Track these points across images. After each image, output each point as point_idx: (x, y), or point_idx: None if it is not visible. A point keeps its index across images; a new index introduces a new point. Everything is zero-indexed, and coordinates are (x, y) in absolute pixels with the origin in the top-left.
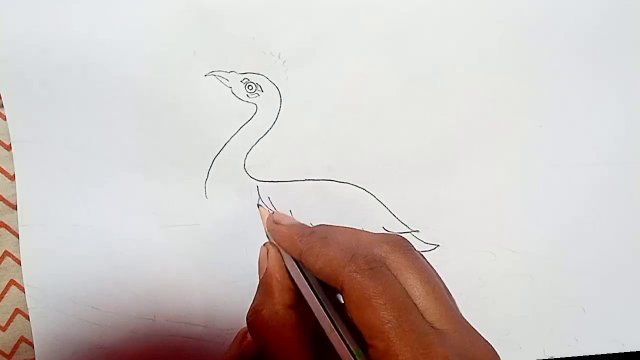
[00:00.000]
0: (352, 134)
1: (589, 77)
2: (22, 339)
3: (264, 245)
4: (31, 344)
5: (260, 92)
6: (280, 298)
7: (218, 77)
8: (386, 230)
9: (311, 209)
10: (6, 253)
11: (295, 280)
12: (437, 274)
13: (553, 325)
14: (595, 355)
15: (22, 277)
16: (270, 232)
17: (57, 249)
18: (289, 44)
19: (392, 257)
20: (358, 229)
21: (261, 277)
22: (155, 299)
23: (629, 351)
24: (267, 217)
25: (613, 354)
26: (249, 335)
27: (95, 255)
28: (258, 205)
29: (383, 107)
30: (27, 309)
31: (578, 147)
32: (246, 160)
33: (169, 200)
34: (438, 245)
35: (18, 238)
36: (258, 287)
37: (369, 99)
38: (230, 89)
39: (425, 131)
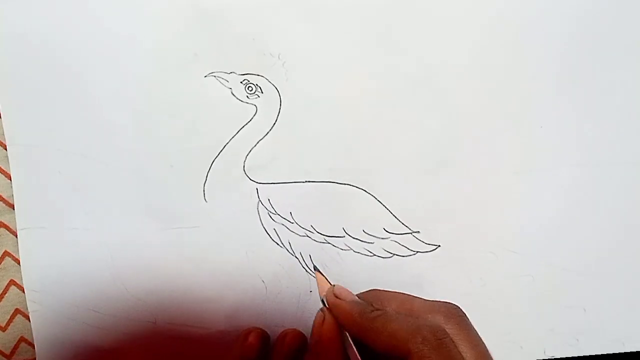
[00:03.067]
0: (352, 135)
1: (589, 77)
2: (22, 339)
3: (320, 310)
4: (31, 344)
5: (260, 93)
6: None
7: (218, 78)
8: (387, 231)
9: (311, 211)
10: (6, 253)
11: (349, 353)
12: (484, 343)
13: (554, 325)
14: (596, 355)
15: (22, 278)
16: (331, 306)
17: (57, 252)
18: (289, 45)
19: (448, 327)
20: (409, 295)
21: (313, 342)
22: (156, 302)
23: (629, 351)
24: (325, 285)
25: (614, 354)
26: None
27: (95, 259)
28: (315, 268)
29: (383, 108)
30: (27, 309)
31: (578, 148)
32: (246, 161)
33: (168, 203)
34: (439, 246)
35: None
36: (310, 351)
37: (369, 100)
38: (230, 90)
39: (426, 132)
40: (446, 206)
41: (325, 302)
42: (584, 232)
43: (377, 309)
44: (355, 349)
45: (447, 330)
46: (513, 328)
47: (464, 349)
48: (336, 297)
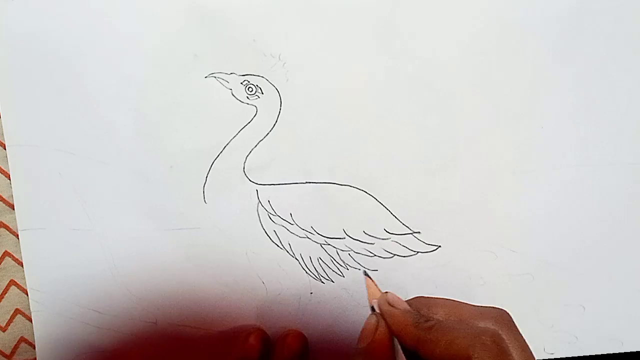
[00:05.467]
0: (352, 135)
1: (589, 77)
2: (22, 339)
3: (373, 314)
4: (31, 344)
5: (260, 94)
6: None
7: (218, 79)
8: (387, 231)
9: (312, 212)
10: (6, 253)
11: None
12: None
13: (553, 322)
14: (596, 355)
15: (22, 278)
16: (384, 314)
17: (59, 252)
18: (289, 46)
19: (501, 333)
20: (456, 301)
21: (364, 346)
22: (157, 303)
23: (628, 351)
24: (375, 291)
25: (613, 354)
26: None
27: (96, 259)
28: (365, 273)
29: (383, 108)
30: (27, 309)
31: (578, 148)
32: (246, 162)
33: (168, 203)
34: (439, 246)
35: (18, 238)
36: (357, 355)
37: (369, 100)
38: (230, 90)
39: (426, 132)
40: (446, 206)
41: (376, 309)
42: (584, 232)
43: (430, 319)
44: (404, 358)
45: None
46: None
47: (516, 353)
48: (389, 305)
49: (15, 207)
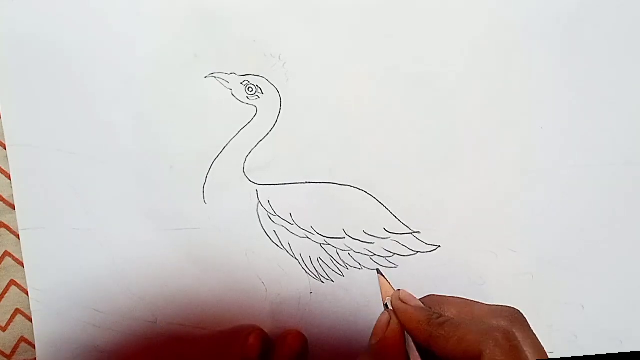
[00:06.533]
0: (352, 136)
1: (589, 77)
2: (22, 339)
3: (385, 311)
4: (31, 344)
5: (260, 94)
6: None
7: (218, 79)
8: (387, 231)
9: (312, 212)
10: (6, 253)
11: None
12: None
13: (552, 322)
14: (595, 354)
15: (22, 278)
16: (397, 311)
17: (59, 252)
18: (289, 46)
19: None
20: (467, 299)
21: (376, 342)
22: (157, 302)
23: (628, 350)
24: (388, 289)
25: (612, 353)
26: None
27: (96, 259)
28: (378, 271)
29: (383, 108)
30: (27, 309)
31: (578, 148)
32: (246, 163)
33: (168, 204)
34: (439, 246)
35: (18, 238)
36: (370, 351)
37: (369, 101)
38: (230, 90)
39: (426, 132)
40: (446, 206)
41: (389, 306)
42: (584, 232)
43: (442, 315)
44: (417, 353)
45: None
46: None
47: (529, 351)
48: (402, 301)
49: (15, 207)
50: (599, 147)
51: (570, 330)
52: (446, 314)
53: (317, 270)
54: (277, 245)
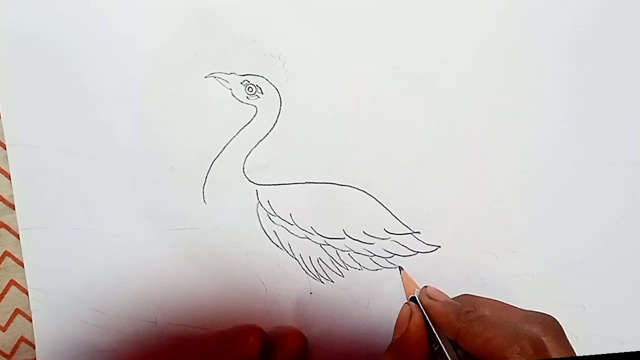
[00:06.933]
0: (352, 136)
1: (589, 77)
2: (22, 339)
3: (406, 305)
4: (31, 344)
5: (260, 94)
6: None
7: (218, 79)
8: (387, 231)
9: (311, 212)
10: (6, 253)
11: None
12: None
13: None
14: (596, 355)
15: (22, 278)
16: (425, 306)
17: (59, 252)
18: (289, 46)
19: (546, 339)
20: (503, 303)
21: (397, 337)
22: (157, 302)
23: (628, 350)
24: (412, 285)
25: (613, 353)
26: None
27: (97, 259)
28: (400, 268)
29: (383, 109)
30: (27, 309)
31: (578, 148)
32: (245, 163)
33: (168, 204)
34: (439, 247)
35: (18, 238)
36: (393, 345)
37: (369, 101)
38: (230, 90)
39: (426, 133)
40: (446, 206)
41: (418, 301)
42: (584, 232)
43: (473, 311)
44: (450, 345)
45: (545, 342)
46: None
47: None
48: (429, 297)
49: (15, 207)
50: (599, 147)
51: (571, 331)
52: (483, 313)
53: (317, 271)
54: (277, 246)
